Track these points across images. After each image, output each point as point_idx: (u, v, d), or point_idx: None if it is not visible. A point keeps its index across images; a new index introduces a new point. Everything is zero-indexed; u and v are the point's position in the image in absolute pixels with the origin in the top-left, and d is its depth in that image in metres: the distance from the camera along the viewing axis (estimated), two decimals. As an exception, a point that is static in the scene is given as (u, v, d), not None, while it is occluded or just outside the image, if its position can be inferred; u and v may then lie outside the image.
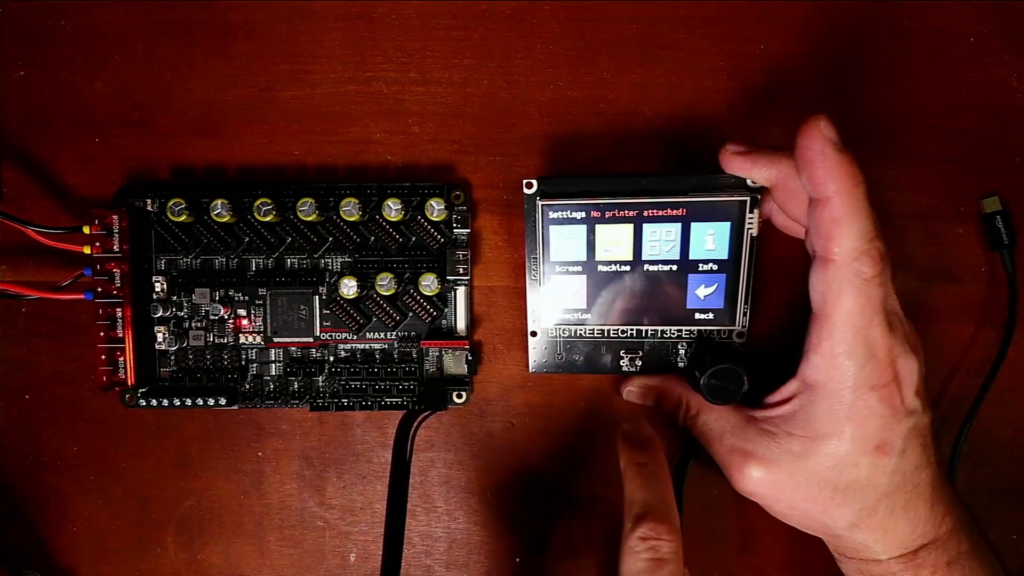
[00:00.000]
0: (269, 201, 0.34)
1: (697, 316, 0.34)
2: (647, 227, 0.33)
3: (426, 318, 0.35)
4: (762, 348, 0.35)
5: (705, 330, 0.34)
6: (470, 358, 0.35)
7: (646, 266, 0.33)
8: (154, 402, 0.35)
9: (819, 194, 0.26)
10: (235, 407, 0.36)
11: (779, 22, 0.35)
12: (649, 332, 0.34)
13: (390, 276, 0.34)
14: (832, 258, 0.26)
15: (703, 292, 0.33)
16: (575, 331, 0.35)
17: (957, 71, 0.34)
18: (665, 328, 0.34)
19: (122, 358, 0.34)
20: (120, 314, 0.34)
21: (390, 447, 0.33)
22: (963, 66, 0.34)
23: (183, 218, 0.34)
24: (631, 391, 0.35)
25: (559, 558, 0.32)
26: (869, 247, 0.26)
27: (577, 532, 0.33)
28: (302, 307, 0.35)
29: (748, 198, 0.31)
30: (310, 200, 0.34)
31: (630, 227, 0.33)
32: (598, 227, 0.33)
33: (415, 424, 0.33)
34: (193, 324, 0.36)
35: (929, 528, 0.29)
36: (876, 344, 0.27)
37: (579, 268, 0.34)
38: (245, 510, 0.38)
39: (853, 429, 0.28)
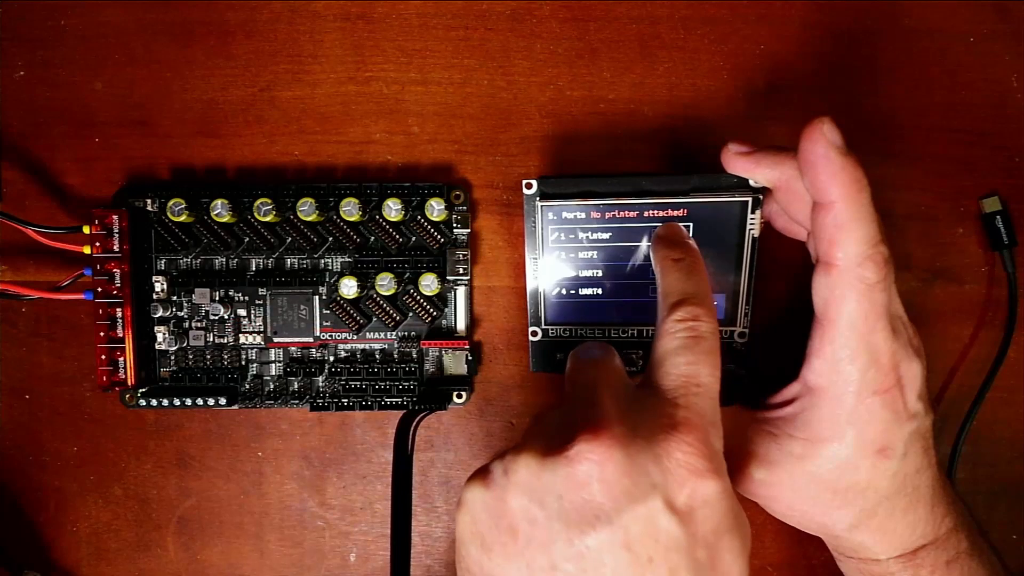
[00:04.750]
0: (269, 201, 0.34)
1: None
2: (648, 227, 0.33)
3: (426, 318, 0.35)
4: (763, 349, 0.35)
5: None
6: (470, 358, 0.35)
7: (647, 266, 0.33)
8: (154, 402, 0.35)
9: (822, 198, 0.26)
10: (235, 407, 0.36)
11: (779, 22, 0.35)
12: (650, 332, 0.34)
13: (390, 276, 0.34)
14: (835, 263, 0.26)
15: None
16: (576, 331, 0.34)
17: (957, 71, 0.34)
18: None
19: (122, 358, 0.34)
20: (120, 314, 0.34)
21: (390, 447, 0.33)
22: (963, 66, 0.34)
23: (183, 218, 0.34)
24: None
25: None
26: (873, 252, 0.26)
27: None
28: (302, 307, 0.35)
29: (750, 199, 0.31)
30: (310, 200, 0.34)
31: (631, 227, 0.33)
32: (599, 227, 0.33)
33: (415, 423, 0.33)
34: (193, 324, 0.36)
35: (929, 529, 0.29)
36: (879, 349, 0.27)
37: (580, 268, 0.34)
38: (245, 510, 0.38)
39: (855, 433, 0.27)
